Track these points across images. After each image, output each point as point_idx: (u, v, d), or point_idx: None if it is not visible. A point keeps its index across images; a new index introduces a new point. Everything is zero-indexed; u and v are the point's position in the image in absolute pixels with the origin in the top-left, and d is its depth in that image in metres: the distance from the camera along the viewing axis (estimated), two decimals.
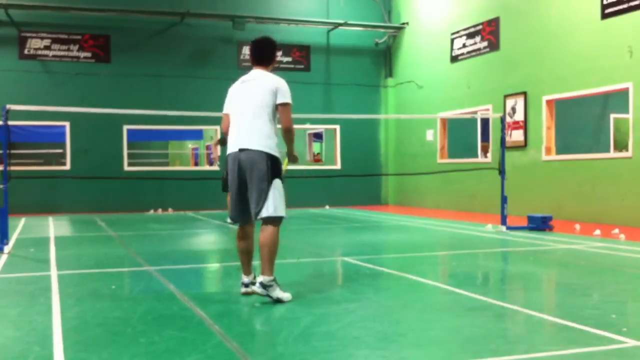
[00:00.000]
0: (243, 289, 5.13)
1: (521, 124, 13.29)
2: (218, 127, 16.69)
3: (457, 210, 15.05)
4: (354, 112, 17.02)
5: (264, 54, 5.18)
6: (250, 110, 4.94)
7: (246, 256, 5.11)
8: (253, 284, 5.01)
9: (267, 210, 4.82)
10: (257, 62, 5.19)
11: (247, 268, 5.14)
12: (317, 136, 20.76)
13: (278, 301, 4.77)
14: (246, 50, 17.06)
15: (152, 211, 15.49)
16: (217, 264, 7.78)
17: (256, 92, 4.96)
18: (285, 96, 4.97)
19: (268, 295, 4.78)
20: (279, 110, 4.97)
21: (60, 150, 16.33)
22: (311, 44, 17.56)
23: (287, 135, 5.06)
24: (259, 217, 4.85)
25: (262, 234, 4.84)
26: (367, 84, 18.01)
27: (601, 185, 11.40)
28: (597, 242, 8.63)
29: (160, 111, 11.73)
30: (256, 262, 5.09)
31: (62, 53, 15.72)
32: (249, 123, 4.92)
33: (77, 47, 15.80)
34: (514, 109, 13.51)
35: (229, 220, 5.64)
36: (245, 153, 4.86)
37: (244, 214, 5.01)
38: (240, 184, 4.93)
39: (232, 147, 4.96)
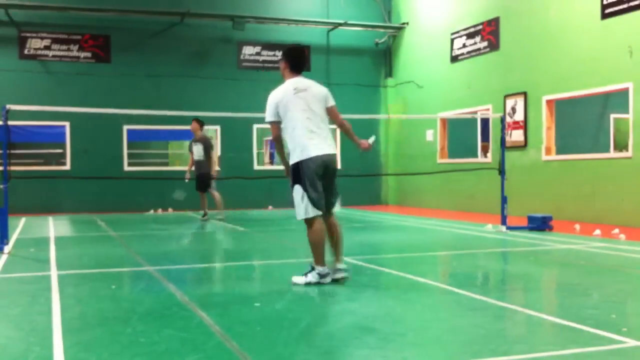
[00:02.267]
0: (329, 278, 5.52)
1: (521, 124, 13.29)
2: (218, 127, 16.71)
3: (457, 210, 15.05)
4: (354, 112, 17.00)
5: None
6: (316, 115, 5.54)
7: (324, 246, 5.54)
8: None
9: (337, 204, 5.65)
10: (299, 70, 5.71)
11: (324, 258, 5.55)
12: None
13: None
14: (246, 50, 17.08)
15: (152, 211, 15.48)
16: (217, 264, 7.78)
17: (315, 100, 5.59)
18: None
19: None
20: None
21: (60, 150, 16.32)
22: (311, 44, 17.55)
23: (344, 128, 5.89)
24: (333, 209, 5.61)
25: (337, 225, 5.66)
26: (367, 84, 18.00)
27: (601, 185, 11.40)
28: (597, 242, 8.63)
29: (160, 111, 11.74)
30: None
31: (62, 53, 15.71)
32: (320, 129, 5.53)
33: (77, 47, 15.79)
34: (514, 109, 13.51)
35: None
36: (331, 156, 5.55)
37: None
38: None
39: (318, 151, 5.44)
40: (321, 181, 5.50)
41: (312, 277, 5.50)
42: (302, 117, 5.48)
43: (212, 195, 12.66)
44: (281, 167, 5.97)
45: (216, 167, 12.58)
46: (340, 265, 5.60)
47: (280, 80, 5.77)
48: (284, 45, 17.09)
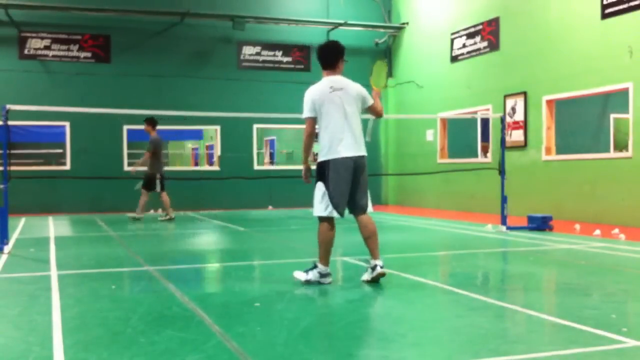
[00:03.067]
0: (329, 279, 5.57)
1: (521, 124, 13.29)
2: (218, 127, 16.71)
3: (457, 210, 15.05)
4: None
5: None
6: (351, 116, 5.63)
7: (330, 247, 5.58)
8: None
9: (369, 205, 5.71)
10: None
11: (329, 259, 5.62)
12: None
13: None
14: (246, 50, 17.08)
15: (152, 211, 15.48)
16: (217, 264, 7.78)
17: (352, 100, 5.69)
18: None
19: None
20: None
21: (60, 150, 16.33)
22: (311, 44, 17.54)
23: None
24: (367, 209, 5.64)
25: (370, 222, 5.59)
26: (367, 84, 17.93)
27: (601, 185, 11.40)
28: (597, 242, 8.63)
29: (160, 111, 11.74)
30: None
31: (62, 53, 15.72)
32: (353, 130, 5.60)
33: (77, 47, 15.80)
34: (514, 109, 13.51)
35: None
36: (361, 158, 5.60)
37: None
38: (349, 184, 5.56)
39: (348, 152, 5.49)
40: (349, 182, 5.51)
41: (312, 275, 5.55)
42: (336, 116, 5.51)
43: (142, 195, 12.97)
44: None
45: (142, 167, 12.79)
46: (377, 262, 5.53)
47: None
48: (284, 45, 17.16)
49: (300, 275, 5.60)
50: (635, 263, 6.97)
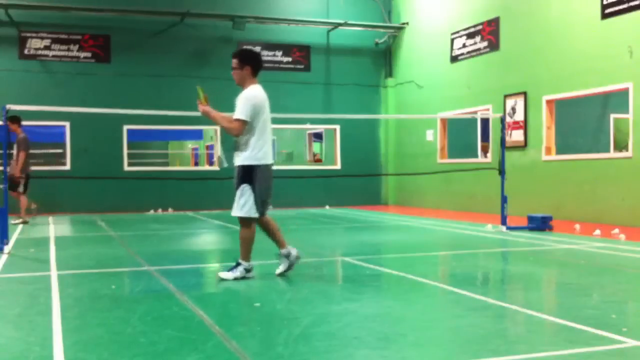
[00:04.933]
0: (253, 273, 5.97)
1: (521, 124, 13.29)
2: (218, 127, 16.71)
3: (457, 210, 15.05)
4: (354, 112, 17.01)
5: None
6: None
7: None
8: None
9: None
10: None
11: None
12: (317, 136, 20.76)
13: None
14: None
15: (152, 211, 15.48)
16: (217, 264, 7.77)
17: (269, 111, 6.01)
18: None
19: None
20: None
21: (60, 150, 16.33)
22: (311, 44, 17.56)
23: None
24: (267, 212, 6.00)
25: (270, 218, 6.06)
26: (367, 84, 18.00)
27: (601, 185, 11.40)
28: (597, 242, 8.63)
29: (160, 111, 11.73)
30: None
31: (62, 53, 15.72)
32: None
33: (77, 47, 15.80)
34: (514, 109, 13.51)
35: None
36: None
37: None
38: None
39: (271, 160, 5.92)
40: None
41: (239, 272, 5.83)
42: (268, 125, 5.91)
43: (17, 198, 12.10)
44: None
45: (18, 170, 11.84)
46: (290, 248, 6.07)
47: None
48: (284, 45, 17.16)
49: (227, 275, 5.83)
50: (635, 263, 6.97)
